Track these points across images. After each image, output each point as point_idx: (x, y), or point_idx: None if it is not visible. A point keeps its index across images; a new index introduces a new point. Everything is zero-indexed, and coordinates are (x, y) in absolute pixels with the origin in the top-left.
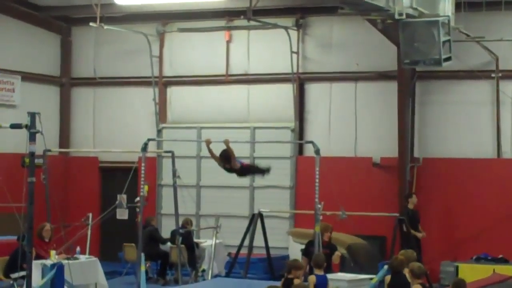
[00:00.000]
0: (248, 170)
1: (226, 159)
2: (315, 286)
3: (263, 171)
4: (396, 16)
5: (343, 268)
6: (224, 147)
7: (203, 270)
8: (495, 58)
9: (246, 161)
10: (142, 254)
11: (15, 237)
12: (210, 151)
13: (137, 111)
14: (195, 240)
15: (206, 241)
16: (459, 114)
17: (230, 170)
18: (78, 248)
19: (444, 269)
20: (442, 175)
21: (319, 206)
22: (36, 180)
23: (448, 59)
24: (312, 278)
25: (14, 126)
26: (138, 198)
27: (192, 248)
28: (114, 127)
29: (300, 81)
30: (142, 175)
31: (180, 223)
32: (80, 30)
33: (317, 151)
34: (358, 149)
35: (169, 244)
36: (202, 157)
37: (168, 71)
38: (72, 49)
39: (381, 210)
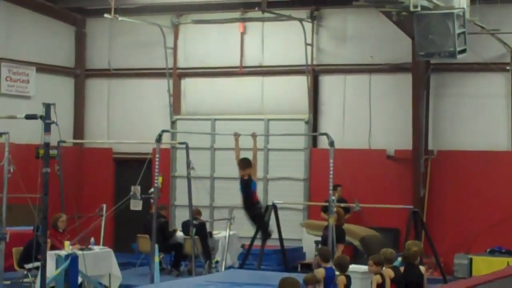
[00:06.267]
0: (253, 206)
1: (243, 166)
2: (324, 279)
3: (265, 233)
4: (411, 8)
5: (356, 260)
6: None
7: (217, 262)
8: (510, 51)
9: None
10: (156, 245)
11: (29, 228)
12: (236, 146)
13: (151, 103)
14: (208, 230)
15: (220, 233)
16: (474, 107)
17: (242, 183)
18: (92, 239)
19: (458, 262)
20: (456, 168)
21: (333, 198)
22: (50, 171)
23: (463, 51)
24: (321, 271)
25: (29, 117)
26: (152, 189)
27: (206, 239)
28: (128, 118)
29: (314, 73)
30: (156, 167)
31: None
32: (94, 22)
33: (331, 143)
34: (372, 142)
35: (182, 235)
36: (216, 148)
37: (182, 63)
38: (87, 40)
39: (395, 202)
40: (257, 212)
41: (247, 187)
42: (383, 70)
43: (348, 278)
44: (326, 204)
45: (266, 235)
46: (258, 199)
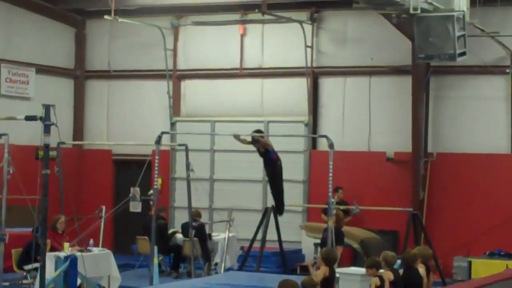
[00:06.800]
0: (273, 162)
1: (254, 142)
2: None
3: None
4: (411, 11)
5: (356, 262)
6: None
7: (216, 264)
8: (509, 53)
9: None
10: (155, 247)
11: (29, 229)
12: (243, 142)
13: (151, 104)
14: (208, 232)
15: (219, 235)
16: (473, 109)
17: (262, 154)
18: (91, 241)
19: (457, 264)
20: (455, 170)
21: (333, 200)
22: (50, 173)
23: (463, 54)
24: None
25: (29, 118)
26: (151, 191)
27: (205, 241)
28: (128, 120)
29: (314, 75)
30: (156, 168)
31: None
32: (94, 23)
33: (331, 145)
34: (372, 144)
35: (181, 237)
36: (216, 150)
37: (182, 65)
38: (87, 42)
39: (394, 205)
40: (277, 171)
41: (266, 154)
42: (383, 73)
43: (333, 273)
44: (327, 206)
45: (281, 208)
46: (278, 157)
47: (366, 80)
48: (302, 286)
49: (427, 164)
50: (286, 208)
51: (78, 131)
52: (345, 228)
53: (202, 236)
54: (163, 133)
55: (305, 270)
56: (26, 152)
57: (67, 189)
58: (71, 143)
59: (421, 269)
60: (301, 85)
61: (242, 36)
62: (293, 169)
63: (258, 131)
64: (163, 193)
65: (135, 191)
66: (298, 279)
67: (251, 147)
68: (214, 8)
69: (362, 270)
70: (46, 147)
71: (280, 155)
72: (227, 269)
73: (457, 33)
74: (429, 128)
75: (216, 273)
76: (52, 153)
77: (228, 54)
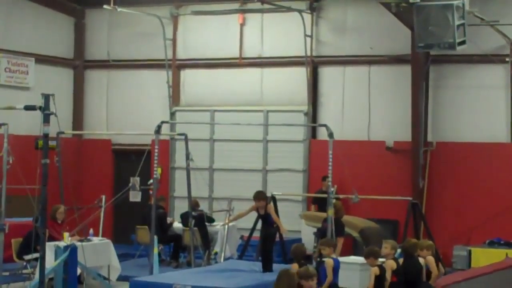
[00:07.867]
0: (270, 224)
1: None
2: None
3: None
4: (411, 0)
5: (355, 251)
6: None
7: (216, 253)
8: (509, 42)
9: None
10: (155, 237)
11: (29, 219)
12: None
13: (151, 94)
14: (208, 215)
15: (219, 224)
16: (473, 98)
17: (262, 215)
18: (91, 230)
19: (457, 253)
20: (455, 159)
21: (332, 189)
22: (49, 162)
23: (463, 43)
24: (330, 262)
25: (28, 108)
26: (151, 181)
27: (205, 230)
28: (128, 109)
29: (314, 65)
30: (155, 158)
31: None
32: (94, 13)
33: (330, 135)
34: (372, 133)
35: (181, 226)
36: (215, 140)
37: (181, 54)
38: (86, 31)
39: (394, 194)
40: (272, 232)
41: (266, 217)
42: (383, 62)
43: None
44: (316, 195)
45: (270, 265)
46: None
47: (365, 69)
48: (299, 276)
49: (426, 153)
50: (286, 197)
51: (78, 120)
52: (345, 218)
53: (202, 225)
54: (162, 122)
55: (305, 259)
56: (26, 142)
57: (67, 178)
58: (71, 133)
59: (421, 259)
60: (300, 74)
61: (242, 25)
62: (293, 158)
63: (260, 192)
64: (162, 182)
65: (135, 180)
66: None
67: (251, 136)
68: None
69: (362, 259)
70: (46, 136)
71: (280, 145)
72: (227, 258)
73: (457, 22)
74: (429, 117)
75: (216, 262)
76: (52, 143)
77: (228, 43)
